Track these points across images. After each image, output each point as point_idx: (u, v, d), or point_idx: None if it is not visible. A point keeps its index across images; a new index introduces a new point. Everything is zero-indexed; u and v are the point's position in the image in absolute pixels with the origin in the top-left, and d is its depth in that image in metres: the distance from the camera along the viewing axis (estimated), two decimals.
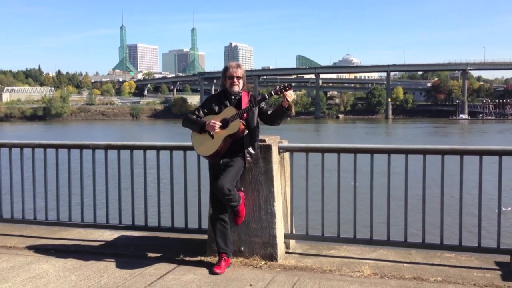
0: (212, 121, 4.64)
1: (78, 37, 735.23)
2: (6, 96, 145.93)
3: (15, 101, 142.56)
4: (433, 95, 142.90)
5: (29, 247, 5.49)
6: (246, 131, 4.71)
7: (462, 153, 4.79)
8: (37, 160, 6.10)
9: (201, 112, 4.83)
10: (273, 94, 4.65)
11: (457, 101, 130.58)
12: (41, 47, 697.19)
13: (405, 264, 4.72)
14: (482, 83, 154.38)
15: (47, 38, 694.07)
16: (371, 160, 5.06)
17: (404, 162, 4.97)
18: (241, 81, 4.79)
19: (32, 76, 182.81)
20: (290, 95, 4.61)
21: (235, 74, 4.75)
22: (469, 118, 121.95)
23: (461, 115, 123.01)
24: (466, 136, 66.58)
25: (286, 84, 4.74)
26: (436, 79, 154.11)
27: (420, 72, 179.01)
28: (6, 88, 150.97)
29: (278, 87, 4.67)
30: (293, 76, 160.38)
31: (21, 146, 6.19)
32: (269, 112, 4.77)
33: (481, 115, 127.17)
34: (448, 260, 4.83)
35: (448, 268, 4.61)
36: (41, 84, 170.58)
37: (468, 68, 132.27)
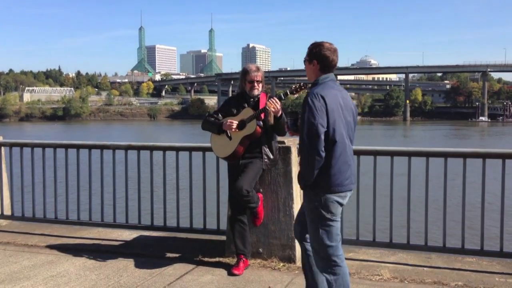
0: (229, 120, 4.65)
1: (97, 38, 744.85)
2: (27, 97, 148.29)
3: (35, 101, 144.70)
4: (452, 97, 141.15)
5: (50, 246, 5.56)
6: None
7: (484, 156, 4.72)
8: (58, 160, 6.18)
9: (220, 115, 4.84)
10: (289, 93, 4.64)
11: (477, 103, 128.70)
12: (61, 48, 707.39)
13: (425, 268, 4.67)
14: (502, 85, 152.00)
15: (67, 39, 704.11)
16: (391, 162, 5.02)
17: (425, 165, 4.92)
18: (260, 84, 4.80)
19: (52, 77, 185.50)
20: (271, 103, 4.45)
21: (255, 79, 4.74)
22: (489, 120, 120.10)
23: (481, 118, 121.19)
24: (486, 139, 65.64)
25: (302, 83, 4.73)
26: (455, 80, 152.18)
27: (439, 74, 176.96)
28: (27, 88, 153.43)
29: (293, 86, 4.66)
30: None
31: (43, 146, 6.28)
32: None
33: (501, 117, 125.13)
34: (469, 264, 4.76)
35: (469, 272, 4.55)
36: (61, 85, 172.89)
37: (489, 69, 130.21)
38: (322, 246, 3.31)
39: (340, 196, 3.30)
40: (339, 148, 3.25)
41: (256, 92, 4.75)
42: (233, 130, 4.63)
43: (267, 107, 4.51)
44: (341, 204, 3.35)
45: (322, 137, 3.16)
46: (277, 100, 4.49)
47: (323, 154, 3.17)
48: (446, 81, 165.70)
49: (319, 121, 3.15)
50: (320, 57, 3.39)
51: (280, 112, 4.56)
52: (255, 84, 4.73)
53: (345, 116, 3.33)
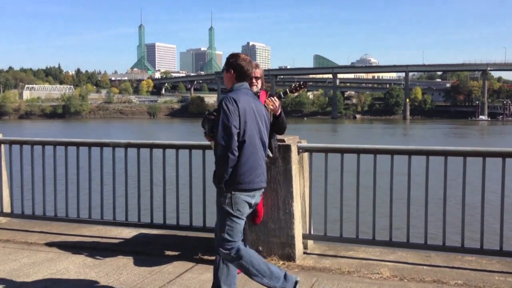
0: None
1: (97, 36, 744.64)
2: (26, 94, 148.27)
3: (35, 99, 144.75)
4: (452, 96, 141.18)
5: (50, 244, 5.56)
6: None
7: (484, 155, 4.71)
8: (58, 157, 6.17)
9: None
10: (289, 92, 4.64)
11: (477, 102, 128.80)
12: (61, 46, 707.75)
13: (424, 267, 4.67)
14: (502, 83, 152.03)
15: (67, 36, 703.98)
16: (391, 161, 5.01)
17: (425, 163, 4.91)
18: (259, 81, 4.78)
19: (52, 75, 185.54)
20: (270, 102, 4.47)
21: (254, 75, 4.73)
22: (489, 119, 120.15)
23: (480, 116, 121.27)
24: (486, 137, 65.64)
25: (302, 82, 4.73)
26: (455, 79, 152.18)
27: (439, 73, 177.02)
28: (26, 86, 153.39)
29: (293, 85, 4.67)
30: (311, 76, 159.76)
31: (43, 144, 6.27)
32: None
33: (501, 116, 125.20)
34: (469, 263, 4.76)
35: (469, 271, 4.55)
36: (61, 83, 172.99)
37: (489, 68, 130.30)
38: (223, 239, 3.61)
39: (249, 195, 3.59)
40: (250, 148, 3.55)
41: (255, 89, 4.73)
42: None
43: (266, 105, 4.50)
44: (249, 205, 3.63)
45: (236, 137, 3.47)
46: (276, 99, 4.49)
47: (237, 153, 3.47)
48: (437, 80, 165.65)
49: (232, 123, 3.46)
50: (236, 67, 3.73)
51: (279, 111, 4.55)
52: (254, 80, 4.72)
53: (257, 121, 3.64)
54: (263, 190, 3.75)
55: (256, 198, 3.68)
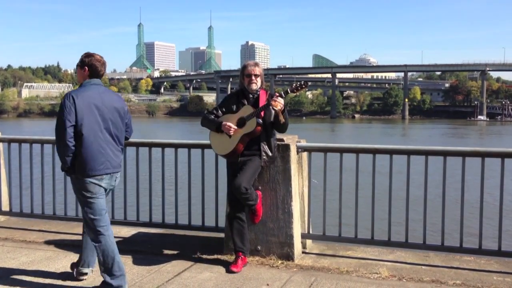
0: (228, 124, 4.64)
1: (96, 34, 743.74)
2: (25, 92, 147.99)
3: (34, 97, 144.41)
4: (451, 96, 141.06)
5: (48, 242, 5.56)
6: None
7: (483, 155, 4.72)
8: (57, 156, 6.15)
9: (219, 112, 4.83)
10: (289, 92, 4.65)
11: (476, 102, 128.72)
12: (60, 44, 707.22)
13: (423, 267, 4.68)
14: (501, 84, 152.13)
15: (66, 35, 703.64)
16: (390, 161, 5.01)
17: (424, 163, 4.92)
18: (259, 79, 4.78)
19: (51, 73, 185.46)
20: (276, 103, 4.50)
21: (253, 72, 4.74)
22: (488, 119, 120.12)
23: (479, 117, 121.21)
24: (485, 138, 65.67)
25: (302, 81, 4.73)
26: (454, 79, 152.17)
27: (438, 73, 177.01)
28: (25, 84, 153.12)
29: (294, 84, 4.67)
30: (310, 75, 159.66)
31: (42, 142, 6.26)
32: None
33: (499, 116, 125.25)
34: (467, 263, 4.77)
35: (467, 271, 4.55)
36: (60, 81, 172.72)
37: (487, 68, 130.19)
38: (89, 220, 4.02)
39: (96, 179, 3.96)
40: (88, 140, 3.90)
41: (254, 87, 4.74)
42: (231, 133, 4.63)
43: (273, 107, 4.51)
44: (99, 185, 3.99)
45: (68, 130, 3.84)
46: (281, 98, 4.51)
47: (70, 144, 3.85)
48: (436, 80, 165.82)
49: (66, 117, 3.85)
50: (90, 66, 4.10)
51: (282, 109, 4.58)
52: (253, 77, 4.72)
53: (101, 113, 3.98)
54: (116, 174, 4.10)
55: (109, 181, 4.04)
